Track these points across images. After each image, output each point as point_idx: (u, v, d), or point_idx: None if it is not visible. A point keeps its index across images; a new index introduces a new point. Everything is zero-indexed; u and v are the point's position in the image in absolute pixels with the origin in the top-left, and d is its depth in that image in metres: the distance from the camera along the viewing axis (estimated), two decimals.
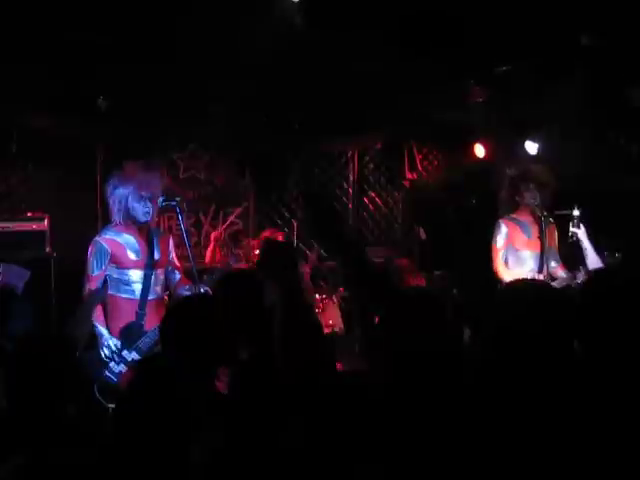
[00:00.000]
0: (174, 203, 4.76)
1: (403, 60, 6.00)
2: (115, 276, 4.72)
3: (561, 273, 5.78)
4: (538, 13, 5.17)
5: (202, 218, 7.89)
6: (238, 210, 8.05)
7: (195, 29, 5.62)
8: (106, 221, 6.30)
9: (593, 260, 5.53)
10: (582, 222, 5.61)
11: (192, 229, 7.60)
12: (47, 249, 6.27)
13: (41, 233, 6.30)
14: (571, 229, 5.61)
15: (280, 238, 6.82)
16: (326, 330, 6.46)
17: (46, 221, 6.33)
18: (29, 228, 6.29)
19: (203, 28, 5.63)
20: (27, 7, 5.22)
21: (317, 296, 6.75)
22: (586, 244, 5.59)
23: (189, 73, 6.28)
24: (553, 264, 5.79)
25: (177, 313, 3.11)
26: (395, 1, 5.35)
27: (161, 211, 5.03)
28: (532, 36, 5.46)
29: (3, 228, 6.19)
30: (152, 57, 5.94)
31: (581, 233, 5.59)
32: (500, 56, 6.08)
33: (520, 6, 5.18)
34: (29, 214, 6.39)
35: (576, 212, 5.60)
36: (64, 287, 6.15)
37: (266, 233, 6.86)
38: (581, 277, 5.56)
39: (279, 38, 5.64)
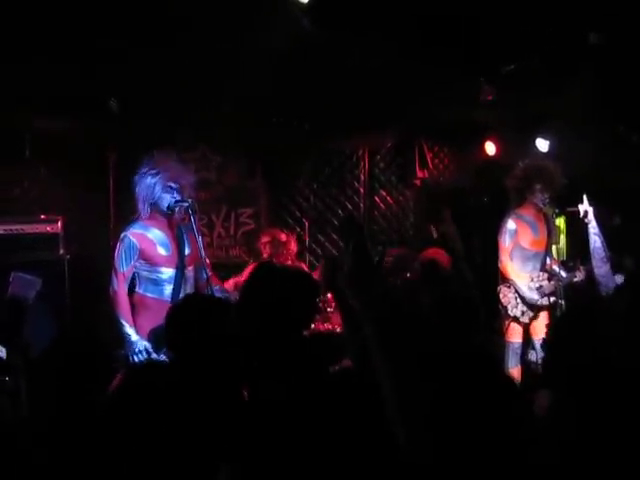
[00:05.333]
0: (186, 204, 4.67)
1: (413, 59, 6.00)
2: (144, 274, 4.61)
3: (555, 268, 5.80)
4: (547, 12, 5.17)
5: (214, 219, 7.92)
6: (250, 210, 8.06)
7: (206, 31, 5.64)
8: (119, 222, 6.36)
9: (599, 245, 5.43)
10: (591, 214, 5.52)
11: (204, 230, 7.62)
12: (61, 251, 6.29)
13: (54, 235, 6.32)
14: (581, 207, 5.52)
15: (282, 237, 6.75)
16: (338, 329, 6.46)
17: (59, 223, 6.35)
18: (43, 230, 6.31)
19: (213, 30, 5.64)
20: (37, 9, 5.25)
21: (329, 295, 6.74)
22: (596, 228, 5.46)
23: (199, 74, 6.30)
24: (547, 260, 5.82)
25: (177, 315, 3.08)
26: (405, 1, 5.35)
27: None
28: (541, 34, 5.46)
29: (17, 230, 6.22)
30: (163, 59, 5.96)
31: (591, 213, 5.48)
32: (510, 54, 6.08)
33: (529, 5, 5.18)
34: (42, 216, 6.41)
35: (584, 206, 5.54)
36: (78, 288, 6.19)
37: (265, 237, 6.80)
38: (580, 276, 5.57)
39: (289, 38, 5.65)
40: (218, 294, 4.61)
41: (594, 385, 2.13)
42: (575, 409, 2.12)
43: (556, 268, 5.79)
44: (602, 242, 5.41)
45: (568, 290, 5.55)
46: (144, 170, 4.65)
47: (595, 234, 5.46)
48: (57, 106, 6.41)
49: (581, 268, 5.64)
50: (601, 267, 5.36)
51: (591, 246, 5.47)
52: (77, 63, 5.82)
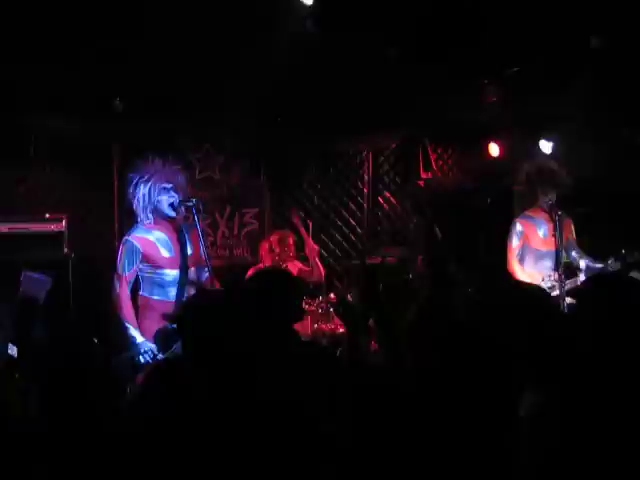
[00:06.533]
0: (191, 204, 4.70)
1: (417, 60, 6.01)
2: (148, 277, 4.65)
3: (586, 261, 5.76)
4: (550, 14, 5.18)
5: (218, 219, 7.93)
6: (254, 210, 8.07)
7: (210, 32, 5.66)
8: (124, 221, 6.39)
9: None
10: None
11: (208, 230, 7.64)
12: (65, 250, 6.31)
13: (59, 234, 6.34)
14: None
15: (290, 239, 6.82)
16: (341, 329, 6.49)
17: (64, 222, 6.37)
18: (47, 229, 6.33)
19: (218, 31, 5.66)
20: (44, 10, 5.27)
21: (332, 295, 6.77)
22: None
23: (204, 74, 6.32)
24: (574, 254, 5.81)
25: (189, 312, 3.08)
26: (409, 3, 5.36)
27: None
28: (544, 36, 5.47)
29: (22, 229, 6.24)
30: (167, 59, 5.98)
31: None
32: (513, 56, 6.09)
33: (532, 7, 5.20)
34: (47, 215, 6.42)
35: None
36: (82, 288, 6.21)
37: (275, 236, 6.85)
38: (615, 266, 5.52)
39: (294, 39, 5.67)
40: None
41: (577, 385, 2.14)
42: (559, 410, 2.13)
43: (584, 262, 5.76)
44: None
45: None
46: (134, 181, 4.69)
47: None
48: (62, 106, 6.44)
49: (613, 259, 5.57)
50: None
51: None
52: (82, 63, 5.84)
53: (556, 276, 5.62)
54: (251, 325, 3.07)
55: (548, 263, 5.74)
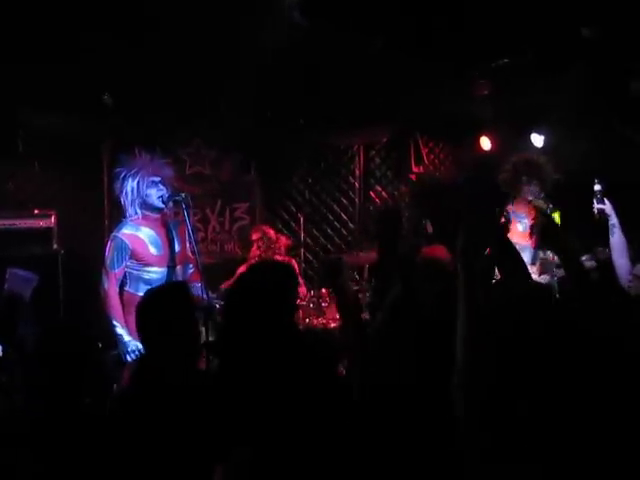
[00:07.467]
0: (180, 198, 4.70)
1: (408, 54, 5.99)
2: (135, 273, 4.63)
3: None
4: (540, 5, 5.16)
5: (208, 214, 7.90)
6: (245, 205, 8.05)
7: (199, 26, 5.62)
8: (113, 217, 6.35)
9: (618, 238, 5.19)
10: (605, 197, 5.13)
11: (198, 225, 7.61)
12: (54, 246, 6.29)
13: (48, 230, 6.33)
14: (596, 205, 5.06)
15: (271, 232, 6.79)
16: (333, 324, 6.46)
17: (53, 218, 6.35)
18: (36, 225, 6.31)
19: (207, 25, 5.63)
20: (31, 7, 5.23)
21: (324, 290, 6.75)
22: (614, 220, 5.02)
23: (194, 69, 6.29)
24: (543, 254, 5.75)
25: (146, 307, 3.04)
26: None
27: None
28: (535, 28, 5.45)
29: (10, 225, 6.21)
30: (156, 53, 5.95)
31: (608, 208, 5.04)
32: (504, 48, 6.07)
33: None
34: (36, 211, 6.40)
35: (597, 187, 5.27)
36: (71, 284, 6.18)
37: (256, 234, 6.82)
38: (592, 264, 5.44)
39: (284, 32, 5.63)
40: (198, 291, 4.55)
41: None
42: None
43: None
44: (620, 234, 5.22)
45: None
46: (122, 174, 4.66)
47: (614, 226, 5.26)
48: (51, 102, 6.40)
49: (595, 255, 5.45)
50: (619, 259, 5.20)
51: (610, 238, 5.32)
52: (71, 59, 5.80)
53: (534, 268, 5.59)
54: (249, 320, 3.05)
55: (524, 258, 5.68)
